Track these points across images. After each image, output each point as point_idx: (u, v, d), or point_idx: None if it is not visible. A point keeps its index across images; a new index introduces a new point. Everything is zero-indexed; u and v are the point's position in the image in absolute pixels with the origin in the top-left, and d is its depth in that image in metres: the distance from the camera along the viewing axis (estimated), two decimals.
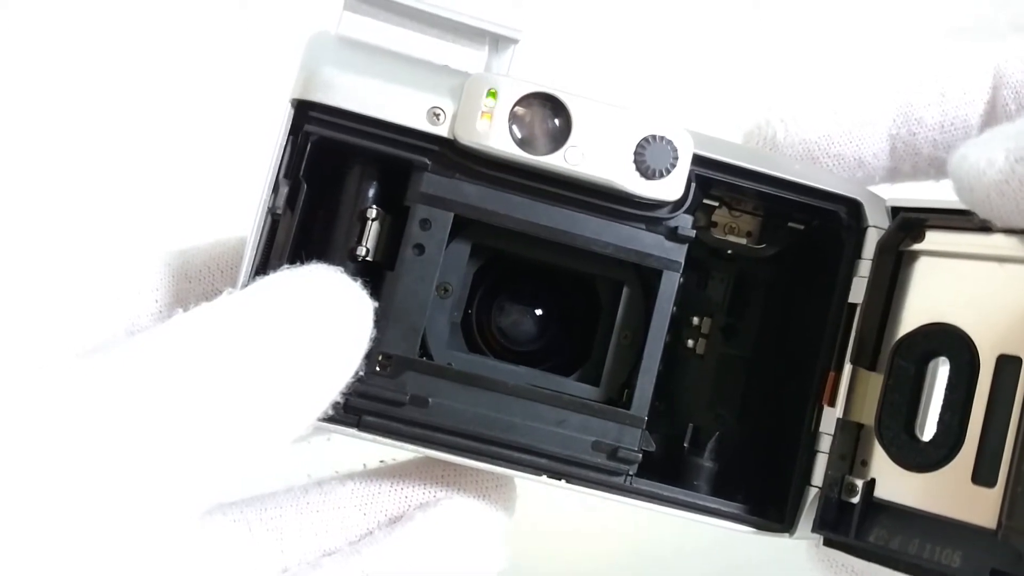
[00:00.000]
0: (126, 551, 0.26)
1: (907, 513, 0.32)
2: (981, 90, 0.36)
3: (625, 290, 0.37)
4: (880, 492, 0.33)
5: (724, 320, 0.40)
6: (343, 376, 0.30)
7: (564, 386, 0.36)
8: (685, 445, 0.38)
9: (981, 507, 0.30)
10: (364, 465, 0.37)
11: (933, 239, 0.34)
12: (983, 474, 0.31)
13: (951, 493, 0.31)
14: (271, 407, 0.28)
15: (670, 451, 0.38)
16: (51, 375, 0.26)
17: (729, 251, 0.39)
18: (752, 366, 0.39)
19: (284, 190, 0.33)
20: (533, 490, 0.35)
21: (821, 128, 0.37)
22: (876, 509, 0.33)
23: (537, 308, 0.38)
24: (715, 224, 0.38)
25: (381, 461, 0.37)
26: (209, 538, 0.35)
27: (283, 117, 0.33)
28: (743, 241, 0.39)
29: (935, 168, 0.38)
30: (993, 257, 0.32)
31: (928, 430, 0.33)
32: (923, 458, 0.32)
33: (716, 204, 0.37)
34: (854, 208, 0.36)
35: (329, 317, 0.30)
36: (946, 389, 0.32)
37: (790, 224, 0.38)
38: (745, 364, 0.39)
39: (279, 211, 0.33)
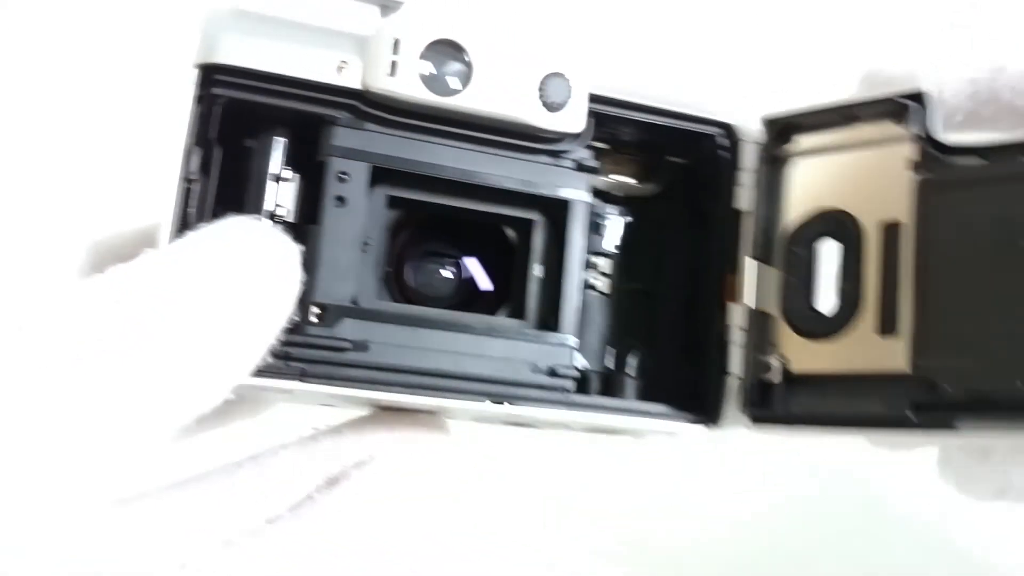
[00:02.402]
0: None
1: (825, 378, 0.35)
2: None
3: (537, 227, 0.38)
4: (795, 367, 0.36)
5: (621, 258, 0.42)
6: (277, 318, 0.30)
7: (493, 323, 0.37)
8: (609, 367, 0.40)
9: (891, 355, 0.34)
10: (298, 436, 0.37)
11: (804, 141, 0.38)
12: (887, 326, 0.34)
13: (861, 350, 0.35)
14: (205, 355, 0.28)
15: (596, 376, 0.40)
16: None
17: (618, 193, 0.42)
18: (654, 296, 0.42)
19: (197, 156, 0.33)
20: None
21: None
22: (795, 382, 0.36)
23: (456, 257, 0.39)
24: (602, 168, 0.41)
25: (314, 428, 0.37)
26: (147, 519, 0.34)
27: (189, 83, 0.33)
28: (631, 181, 0.42)
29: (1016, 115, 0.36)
30: (859, 144, 0.36)
31: (829, 303, 0.36)
32: (829, 326, 0.36)
33: (603, 144, 0.40)
34: (728, 130, 0.39)
35: (254, 259, 0.30)
36: (839, 264, 0.36)
37: (672, 159, 0.41)
38: (647, 295, 0.42)
39: (194, 177, 0.33)
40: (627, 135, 0.40)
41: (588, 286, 0.41)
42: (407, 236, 0.39)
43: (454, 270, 0.40)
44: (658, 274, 0.42)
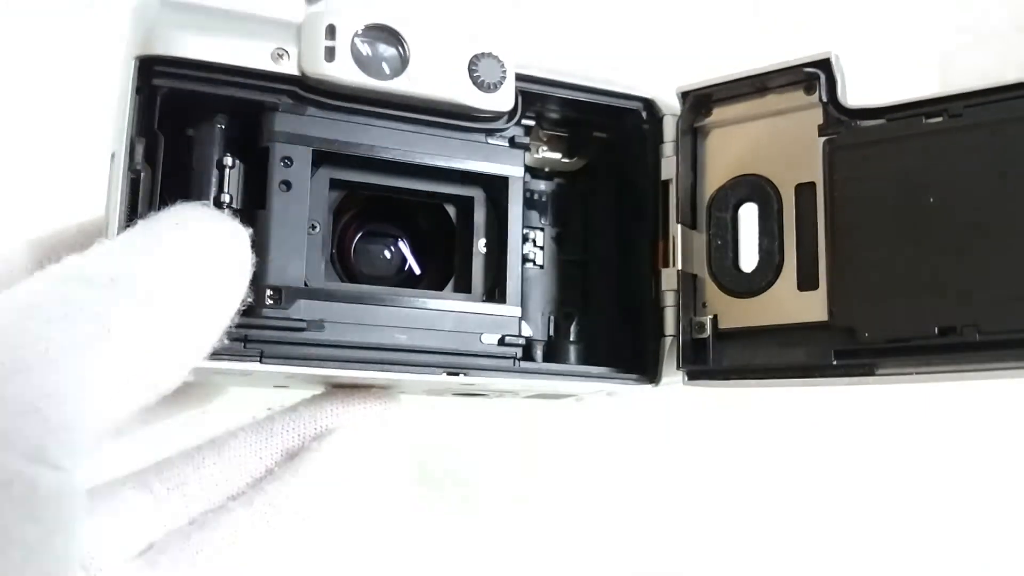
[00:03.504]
0: None
1: (752, 332, 0.38)
2: None
3: (476, 204, 0.40)
4: (724, 324, 0.39)
5: (555, 231, 0.44)
6: (231, 299, 0.31)
7: (442, 298, 0.39)
8: (551, 335, 0.42)
9: (811, 307, 0.36)
10: (253, 417, 0.38)
11: (720, 112, 0.40)
12: (806, 280, 0.37)
13: (785, 304, 0.37)
14: (162, 338, 0.29)
15: (539, 344, 0.41)
16: None
17: (547, 168, 0.44)
18: (589, 265, 0.44)
19: (140, 148, 0.34)
20: None
21: None
22: (725, 338, 0.39)
23: (400, 238, 0.41)
24: (531, 146, 0.43)
25: (269, 409, 0.38)
26: (111, 504, 0.34)
27: (128, 75, 0.34)
28: (558, 157, 0.44)
29: None
30: (771, 113, 0.39)
31: (752, 262, 0.39)
32: (753, 284, 0.38)
33: (531, 123, 0.42)
34: (648, 104, 0.42)
35: (206, 241, 0.31)
36: (759, 225, 0.39)
37: (595, 134, 0.43)
38: (582, 265, 0.44)
39: (138, 168, 0.33)
40: (553, 112, 0.42)
41: (526, 260, 0.43)
42: (350, 218, 0.40)
43: (394, 250, 0.41)
44: (591, 245, 0.44)
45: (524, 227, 0.42)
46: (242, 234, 0.32)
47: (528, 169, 0.43)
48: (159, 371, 0.29)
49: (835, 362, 0.35)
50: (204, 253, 0.30)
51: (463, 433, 0.56)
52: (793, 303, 0.37)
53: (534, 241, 0.43)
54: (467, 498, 0.54)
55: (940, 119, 0.34)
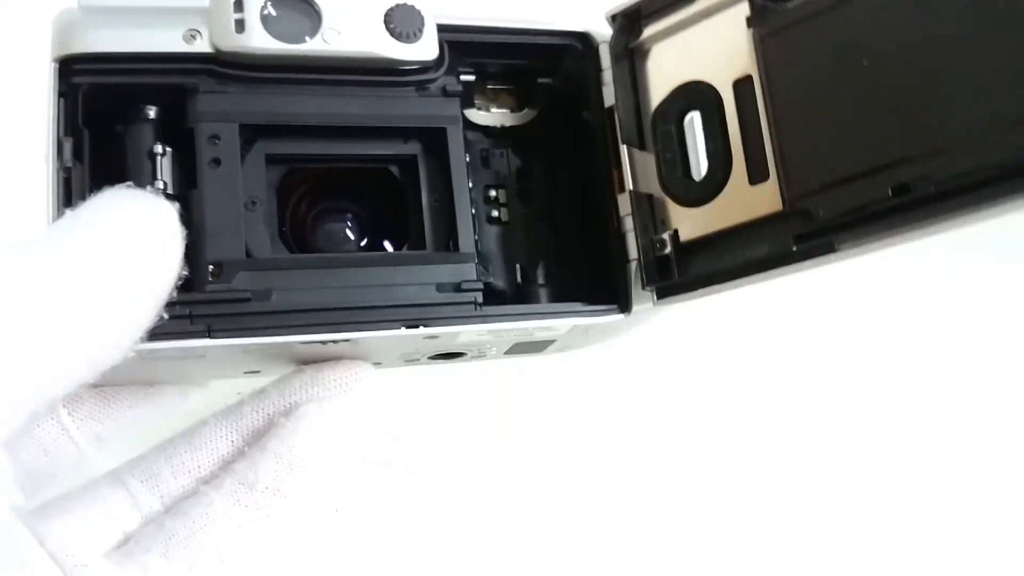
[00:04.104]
0: None
1: (712, 237, 0.37)
2: None
3: (420, 160, 0.39)
4: (685, 235, 0.37)
5: (516, 187, 0.43)
6: (161, 270, 0.31)
7: (394, 256, 0.38)
8: (518, 281, 0.41)
9: (766, 199, 0.35)
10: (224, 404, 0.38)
11: (651, 28, 0.39)
12: (757, 174, 0.36)
13: (739, 203, 0.36)
14: (91, 308, 0.29)
15: (509, 294, 0.41)
16: None
17: (499, 125, 0.43)
18: (552, 215, 0.43)
19: (68, 146, 0.34)
20: None
21: None
22: (687, 249, 0.37)
23: (352, 210, 0.40)
24: (480, 104, 0.43)
25: (239, 393, 0.38)
26: (86, 502, 0.34)
27: (49, 77, 0.34)
28: (507, 111, 0.44)
29: None
30: (700, 15, 0.38)
31: (702, 168, 0.37)
32: (706, 190, 0.37)
33: (471, 75, 0.41)
34: (582, 37, 0.41)
35: (129, 214, 0.31)
36: (703, 130, 0.37)
37: (539, 81, 0.43)
38: (547, 216, 0.43)
39: (68, 166, 0.34)
40: (491, 64, 0.42)
41: (490, 219, 0.42)
42: (299, 196, 0.40)
43: (351, 224, 0.41)
44: (555, 195, 0.43)
45: (485, 186, 0.42)
46: (166, 207, 0.32)
47: (482, 128, 0.43)
48: (92, 342, 0.29)
49: (795, 248, 0.34)
50: (128, 223, 0.30)
51: (438, 402, 0.55)
52: (747, 199, 0.36)
53: (497, 200, 0.43)
54: (439, 468, 0.54)
55: None
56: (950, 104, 0.31)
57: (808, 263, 0.33)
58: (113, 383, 0.37)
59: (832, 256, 0.33)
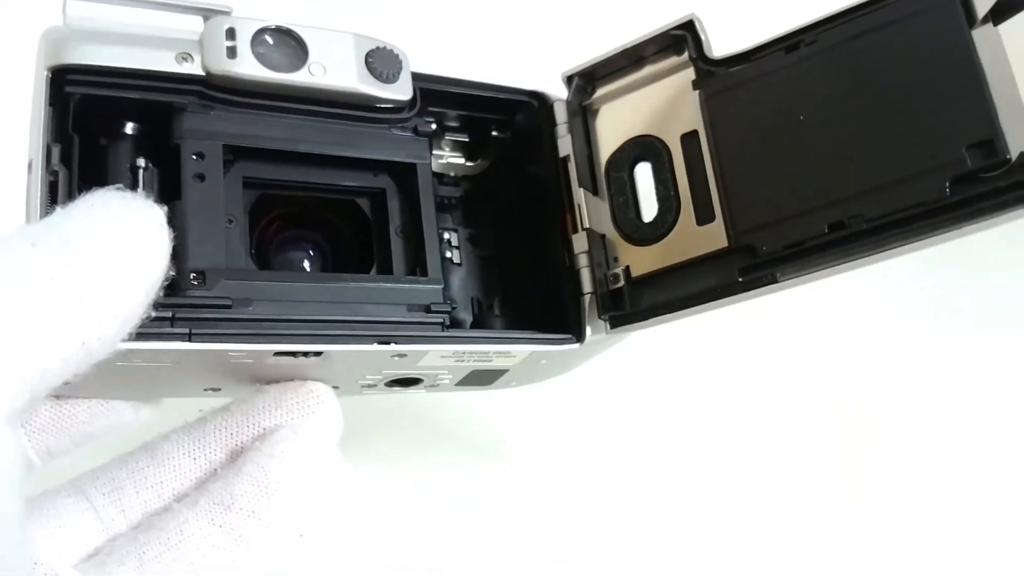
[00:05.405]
0: None
1: (663, 272, 0.40)
2: None
3: (388, 194, 0.42)
4: (637, 271, 0.41)
5: (467, 232, 0.46)
6: (150, 262, 0.31)
7: (365, 278, 0.40)
8: (475, 313, 0.43)
9: (712, 237, 0.39)
10: (185, 420, 0.38)
11: (604, 88, 0.43)
12: (704, 216, 0.39)
13: (687, 241, 0.40)
14: (86, 295, 0.29)
15: (466, 320, 0.43)
16: None
17: (453, 173, 0.46)
18: (502, 258, 0.46)
19: (56, 151, 0.35)
20: None
21: None
22: (639, 284, 0.41)
23: (310, 238, 0.42)
24: (436, 154, 0.46)
25: (200, 411, 0.38)
26: (49, 513, 0.34)
27: (40, 86, 0.35)
28: (461, 161, 0.47)
29: None
30: (650, 79, 0.42)
31: (652, 211, 0.41)
32: (657, 230, 0.41)
33: (433, 126, 0.44)
34: (539, 97, 0.45)
35: (120, 210, 0.31)
36: (654, 178, 0.41)
37: (494, 134, 0.46)
38: (496, 259, 0.46)
39: (55, 170, 0.35)
40: (452, 116, 0.45)
41: (444, 260, 0.45)
42: (267, 222, 0.41)
43: (313, 253, 0.42)
44: (503, 238, 0.46)
45: (440, 228, 0.44)
46: (155, 205, 0.32)
47: (436, 175, 0.45)
48: (87, 328, 0.29)
49: (740, 279, 0.37)
50: (119, 216, 0.31)
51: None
52: (695, 238, 0.39)
53: (449, 242, 0.45)
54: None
55: (800, 50, 0.38)
56: (876, 153, 0.35)
57: (752, 292, 0.37)
58: (72, 395, 0.36)
59: (775, 286, 0.37)
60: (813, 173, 0.37)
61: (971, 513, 0.62)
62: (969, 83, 0.34)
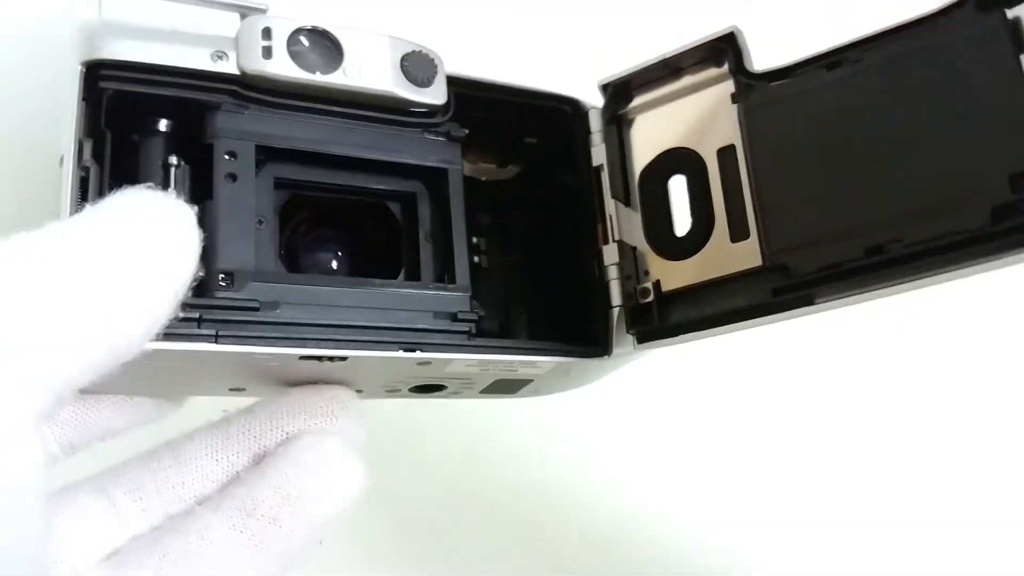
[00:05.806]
0: None
1: (694, 289, 0.39)
2: None
3: (419, 198, 0.41)
4: (667, 286, 0.40)
5: (496, 236, 0.46)
6: (180, 261, 0.31)
7: (393, 284, 0.40)
8: (501, 321, 0.43)
9: (746, 256, 0.38)
10: (208, 420, 0.38)
11: (641, 98, 0.43)
12: (738, 233, 0.39)
13: (720, 258, 0.39)
14: (114, 292, 0.29)
15: (492, 329, 0.42)
16: None
17: (484, 178, 0.46)
18: (531, 265, 0.45)
19: (88, 147, 0.35)
20: None
21: None
22: (669, 299, 0.40)
23: (339, 239, 0.42)
24: (468, 157, 0.45)
25: (224, 411, 0.38)
26: (70, 509, 0.34)
27: (75, 80, 0.35)
28: (493, 167, 0.46)
29: None
30: (688, 91, 0.42)
31: (685, 226, 0.41)
32: (689, 246, 0.40)
33: (465, 131, 0.44)
34: (573, 103, 0.44)
35: (150, 207, 0.31)
36: (688, 192, 0.41)
37: (526, 140, 0.46)
38: (523, 264, 0.45)
39: (87, 165, 0.34)
40: (485, 121, 0.44)
41: (472, 264, 0.44)
42: (296, 223, 0.41)
43: (342, 256, 0.42)
44: (533, 245, 0.46)
45: (468, 233, 0.44)
46: (185, 205, 0.32)
47: (467, 180, 0.45)
48: (114, 329, 0.29)
49: (774, 299, 0.37)
50: (149, 215, 0.31)
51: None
52: (728, 255, 0.39)
53: (478, 247, 0.45)
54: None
55: (843, 67, 0.37)
56: (919, 176, 0.35)
57: (786, 314, 0.36)
58: (97, 391, 0.36)
59: (810, 308, 0.36)
60: (852, 194, 0.36)
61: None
62: (1014, 111, 0.33)
